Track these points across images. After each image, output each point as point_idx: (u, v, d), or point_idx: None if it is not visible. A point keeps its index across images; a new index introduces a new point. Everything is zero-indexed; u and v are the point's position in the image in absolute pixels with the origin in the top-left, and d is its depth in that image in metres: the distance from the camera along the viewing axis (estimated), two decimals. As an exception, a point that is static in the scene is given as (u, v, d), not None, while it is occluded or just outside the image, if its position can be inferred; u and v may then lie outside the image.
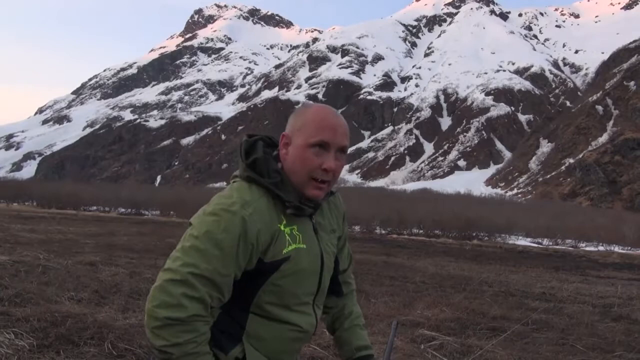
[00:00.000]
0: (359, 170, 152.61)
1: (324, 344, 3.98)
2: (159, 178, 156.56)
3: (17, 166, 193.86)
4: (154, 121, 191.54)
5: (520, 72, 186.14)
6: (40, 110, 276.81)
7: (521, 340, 4.89)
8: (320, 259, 1.44)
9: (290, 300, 1.39)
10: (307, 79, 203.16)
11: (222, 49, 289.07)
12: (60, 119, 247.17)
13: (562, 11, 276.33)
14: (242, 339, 1.36)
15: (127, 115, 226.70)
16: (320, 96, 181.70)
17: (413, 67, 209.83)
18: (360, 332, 1.63)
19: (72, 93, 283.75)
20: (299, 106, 1.47)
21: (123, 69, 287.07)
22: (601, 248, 33.02)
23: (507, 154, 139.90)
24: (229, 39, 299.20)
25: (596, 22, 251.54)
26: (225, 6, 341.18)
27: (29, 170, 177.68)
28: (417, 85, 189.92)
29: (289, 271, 1.35)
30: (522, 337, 5.03)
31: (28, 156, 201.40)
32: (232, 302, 1.34)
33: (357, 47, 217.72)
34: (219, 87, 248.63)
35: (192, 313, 1.22)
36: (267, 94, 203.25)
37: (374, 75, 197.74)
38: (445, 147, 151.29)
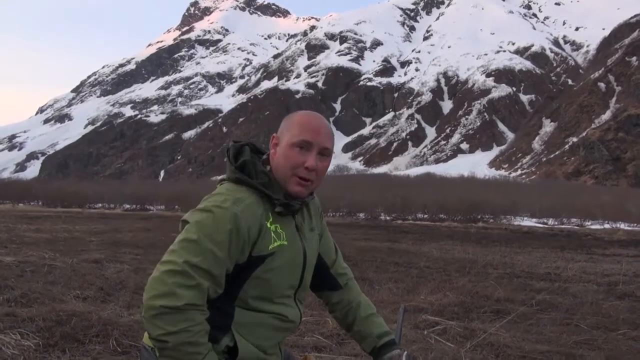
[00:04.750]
0: (361, 158, 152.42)
1: (327, 333, 4.00)
2: (162, 173, 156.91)
3: (21, 166, 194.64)
4: (155, 116, 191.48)
5: (520, 52, 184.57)
6: (41, 110, 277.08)
7: (525, 322, 4.89)
8: (303, 256, 1.51)
9: (272, 293, 1.46)
10: (306, 68, 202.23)
11: (220, 40, 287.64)
12: (62, 117, 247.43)
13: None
14: (231, 328, 1.42)
15: (128, 112, 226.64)
16: (320, 84, 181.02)
17: (412, 51, 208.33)
18: (377, 320, 1.65)
19: (72, 91, 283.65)
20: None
21: (121, 65, 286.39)
22: (607, 226, 32.99)
23: (510, 135, 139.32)
24: (226, 30, 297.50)
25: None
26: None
27: (33, 170, 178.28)
28: (417, 70, 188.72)
29: (273, 265, 1.42)
30: (526, 318, 5.03)
31: (31, 156, 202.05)
32: (219, 296, 1.39)
33: (355, 34, 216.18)
34: (218, 80, 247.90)
35: (187, 302, 1.26)
36: (266, 85, 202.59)
37: (373, 61, 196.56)
38: (448, 130, 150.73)
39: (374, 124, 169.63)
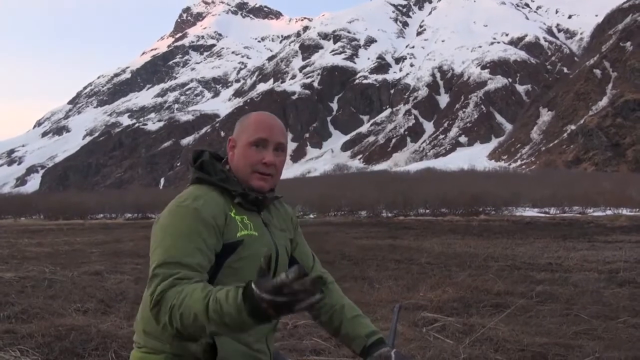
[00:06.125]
0: (360, 156, 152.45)
1: (325, 335, 3.99)
2: (162, 180, 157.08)
3: (21, 180, 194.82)
4: (153, 124, 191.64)
5: (514, 42, 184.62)
6: (38, 123, 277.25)
7: (524, 315, 4.87)
8: (275, 249, 1.54)
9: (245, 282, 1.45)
10: (301, 69, 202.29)
11: (214, 45, 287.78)
12: (60, 129, 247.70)
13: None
14: None
15: (125, 121, 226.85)
16: (315, 84, 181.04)
17: (406, 47, 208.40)
18: (363, 320, 1.65)
19: (69, 103, 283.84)
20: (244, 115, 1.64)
21: (117, 75, 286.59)
22: (609, 212, 32.91)
23: (508, 126, 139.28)
24: (220, 34, 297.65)
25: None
26: (213, 2, 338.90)
27: (33, 183, 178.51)
28: (412, 65, 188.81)
29: (243, 254, 1.45)
30: (525, 311, 5.01)
31: (31, 170, 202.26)
32: None
33: (349, 32, 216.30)
34: (214, 84, 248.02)
35: (161, 290, 1.27)
36: (262, 87, 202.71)
37: (368, 58, 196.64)
38: (445, 124, 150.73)
39: (371, 121, 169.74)
